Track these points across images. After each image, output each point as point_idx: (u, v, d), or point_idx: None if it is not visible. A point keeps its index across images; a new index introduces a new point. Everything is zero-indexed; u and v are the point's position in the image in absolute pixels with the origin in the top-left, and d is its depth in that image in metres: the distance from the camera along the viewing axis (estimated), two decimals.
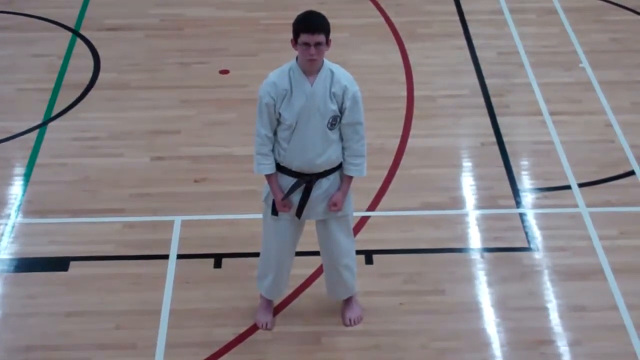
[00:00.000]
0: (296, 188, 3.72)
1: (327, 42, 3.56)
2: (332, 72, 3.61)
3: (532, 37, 6.39)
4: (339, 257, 3.92)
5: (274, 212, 3.78)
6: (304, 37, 3.52)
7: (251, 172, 5.03)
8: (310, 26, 3.53)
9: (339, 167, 3.76)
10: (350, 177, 3.76)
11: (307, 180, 3.71)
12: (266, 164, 3.71)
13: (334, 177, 3.75)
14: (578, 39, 6.35)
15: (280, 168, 3.73)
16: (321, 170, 3.71)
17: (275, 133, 3.69)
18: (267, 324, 4.04)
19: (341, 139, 3.71)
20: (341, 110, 3.64)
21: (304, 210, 3.77)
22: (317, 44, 3.52)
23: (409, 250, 4.55)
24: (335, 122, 3.64)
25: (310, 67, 3.58)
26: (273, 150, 3.71)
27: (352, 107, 3.63)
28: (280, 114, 3.62)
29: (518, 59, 6.15)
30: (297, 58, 3.63)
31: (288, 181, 3.73)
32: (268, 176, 3.75)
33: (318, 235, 3.92)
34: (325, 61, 3.63)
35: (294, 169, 3.70)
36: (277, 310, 4.18)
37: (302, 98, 3.60)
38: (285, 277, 4.00)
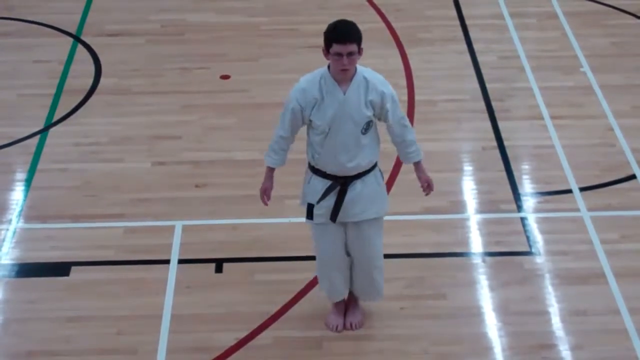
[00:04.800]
0: (331, 191, 3.73)
1: (359, 50, 3.54)
2: (366, 80, 3.60)
3: (533, 42, 6.39)
4: (373, 259, 3.90)
5: (309, 216, 3.78)
6: (336, 48, 3.49)
7: (252, 177, 5.06)
8: (343, 36, 3.48)
9: (373, 168, 3.78)
10: (418, 162, 3.81)
11: (341, 183, 3.72)
12: (273, 158, 3.80)
13: (368, 179, 3.76)
14: (579, 43, 6.35)
15: (314, 170, 3.76)
16: (354, 173, 3.72)
17: (309, 138, 3.73)
18: (337, 326, 4.05)
19: (375, 139, 3.72)
20: (380, 115, 3.66)
21: (340, 212, 3.76)
22: (350, 54, 3.49)
23: (410, 254, 4.55)
24: (369, 127, 3.66)
25: (342, 76, 3.57)
26: (286, 150, 3.77)
27: (394, 107, 3.67)
28: (311, 121, 3.65)
29: (519, 63, 6.16)
30: (328, 66, 3.61)
31: (323, 184, 3.74)
32: (269, 167, 3.82)
33: (349, 238, 3.88)
34: (358, 67, 3.62)
35: (328, 172, 3.72)
36: (277, 315, 4.18)
37: (334, 105, 3.60)
38: (341, 279, 3.96)
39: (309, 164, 3.78)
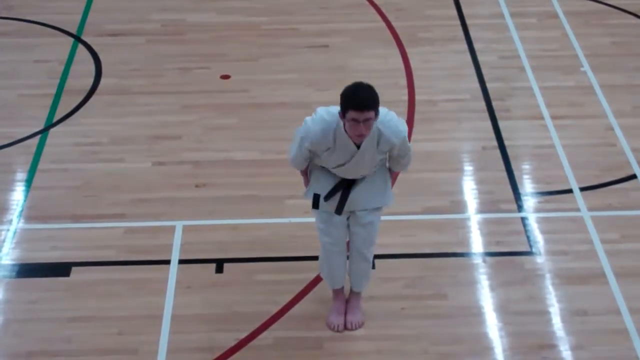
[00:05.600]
0: (337, 190, 3.76)
1: (376, 114, 3.49)
2: (380, 132, 3.57)
3: (533, 41, 6.39)
4: (369, 245, 3.95)
5: (315, 205, 3.80)
6: (353, 114, 3.44)
7: (252, 177, 5.07)
8: (360, 104, 3.41)
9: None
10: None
11: (348, 182, 3.77)
12: (300, 168, 3.84)
13: (375, 175, 3.80)
14: (579, 42, 6.35)
15: (321, 167, 3.79)
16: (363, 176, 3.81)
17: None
18: (338, 326, 4.06)
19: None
20: (391, 153, 3.74)
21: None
22: (366, 120, 3.46)
23: (411, 254, 4.55)
24: (383, 159, 3.74)
25: (357, 140, 3.58)
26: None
27: (402, 146, 3.70)
28: (322, 159, 3.70)
29: (519, 62, 6.15)
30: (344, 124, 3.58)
31: (328, 179, 3.76)
32: (301, 171, 3.87)
33: (352, 227, 3.91)
34: None
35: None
36: (278, 315, 4.18)
37: (347, 155, 3.63)
38: (342, 266, 3.99)
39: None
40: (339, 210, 3.79)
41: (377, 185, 3.82)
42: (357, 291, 4.11)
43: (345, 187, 3.76)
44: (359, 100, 3.42)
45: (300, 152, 3.71)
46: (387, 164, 3.86)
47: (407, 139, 3.71)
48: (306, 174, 3.86)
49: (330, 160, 3.69)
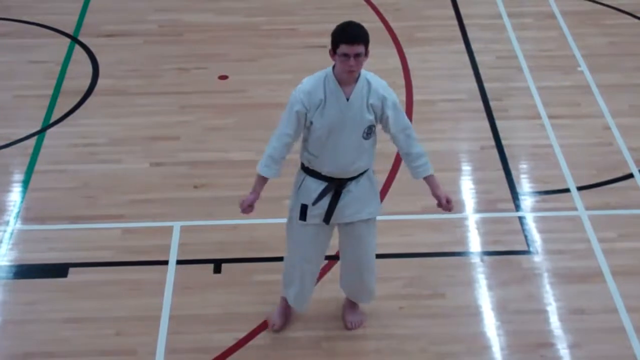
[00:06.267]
0: (326, 193, 3.69)
1: (366, 52, 3.51)
2: (368, 82, 3.57)
3: (531, 41, 6.40)
4: (364, 261, 3.88)
5: (302, 216, 3.73)
6: (343, 48, 3.46)
7: (250, 178, 5.04)
8: (350, 37, 3.45)
9: (367, 169, 3.74)
10: (431, 176, 3.70)
11: (336, 185, 3.69)
12: (274, 168, 3.66)
13: (363, 180, 3.73)
14: (576, 42, 6.36)
15: (309, 171, 3.71)
16: (352, 175, 3.70)
17: (305, 140, 3.66)
18: (277, 325, 4.04)
19: (375, 144, 3.65)
20: (381, 120, 3.62)
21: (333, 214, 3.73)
22: (357, 55, 3.46)
23: (409, 254, 4.55)
24: (370, 131, 3.62)
25: (348, 78, 3.54)
26: (284, 158, 3.66)
27: (396, 115, 3.61)
28: (312, 123, 3.59)
29: (516, 62, 6.16)
30: (333, 67, 3.57)
31: (317, 185, 3.70)
32: (260, 176, 3.69)
33: (342, 240, 3.87)
34: (362, 71, 3.59)
35: (324, 174, 3.69)
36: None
37: (336, 110, 3.57)
38: (311, 287, 3.96)
39: (303, 164, 3.74)
40: (327, 218, 3.72)
41: (365, 191, 3.73)
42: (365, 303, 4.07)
43: (333, 193, 3.69)
44: (350, 33, 3.46)
45: (290, 122, 3.56)
46: (400, 152, 3.65)
47: (399, 104, 3.60)
48: (264, 182, 3.68)
49: (322, 123, 3.55)
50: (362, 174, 3.73)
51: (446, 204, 3.70)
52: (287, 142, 3.63)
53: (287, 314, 4.07)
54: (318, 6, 6.75)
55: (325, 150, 3.62)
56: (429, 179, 3.72)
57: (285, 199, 4.76)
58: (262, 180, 3.70)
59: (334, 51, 3.51)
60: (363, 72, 3.60)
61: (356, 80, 3.56)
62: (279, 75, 5.95)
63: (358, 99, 3.56)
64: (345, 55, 3.47)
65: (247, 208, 3.72)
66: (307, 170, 3.72)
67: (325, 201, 3.71)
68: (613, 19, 6.67)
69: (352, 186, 3.71)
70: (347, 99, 3.56)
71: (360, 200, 3.74)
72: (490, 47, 6.32)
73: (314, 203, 3.70)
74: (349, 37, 3.46)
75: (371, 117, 3.59)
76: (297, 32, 6.42)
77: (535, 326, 4.13)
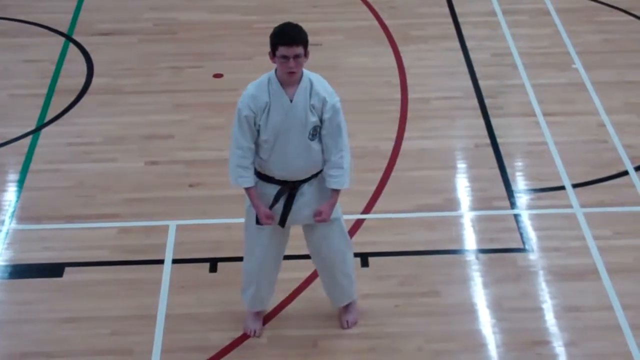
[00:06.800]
0: (280, 196, 3.69)
1: (306, 53, 3.52)
2: (311, 83, 3.57)
3: (525, 39, 6.40)
4: (334, 263, 3.88)
5: (258, 220, 3.72)
6: (282, 50, 3.48)
7: None
8: (288, 38, 3.47)
9: (321, 171, 3.71)
10: (335, 190, 3.69)
11: (290, 187, 3.68)
12: (246, 176, 3.65)
13: (317, 182, 3.72)
14: (571, 39, 6.37)
15: (261, 176, 3.69)
16: (305, 177, 3.69)
17: (255, 143, 3.65)
18: (255, 331, 4.04)
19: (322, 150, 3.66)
20: (321, 121, 3.60)
21: (288, 217, 3.73)
22: (296, 57, 3.48)
23: (404, 252, 4.56)
24: (316, 132, 3.61)
25: (289, 79, 3.54)
26: (253, 162, 3.66)
27: (332, 118, 3.59)
28: (259, 126, 3.59)
29: (511, 60, 6.17)
30: (275, 70, 3.59)
31: (271, 189, 3.69)
32: (247, 189, 3.68)
33: (307, 242, 3.88)
34: (305, 71, 3.60)
35: (276, 177, 3.67)
36: (272, 314, 4.18)
37: (281, 113, 3.56)
38: (269, 288, 3.97)
39: (255, 170, 3.69)
40: (282, 221, 3.71)
41: (321, 192, 3.70)
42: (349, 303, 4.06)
43: (287, 195, 3.67)
44: (287, 35, 3.48)
45: (242, 130, 3.56)
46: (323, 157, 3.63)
47: (339, 109, 3.58)
48: (253, 191, 3.67)
49: (268, 127, 3.54)
50: (315, 175, 3.71)
51: (318, 215, 3.68)
52: (249, 152, 3.62)
53: (259, 317, 4.07)
54: (313, 4, 6.74)
55: (274, 154, 3.61)
56: (332, 192, 3.69)
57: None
58: (247, 191, 3.69)
59: (273, 53, 3.53)
60: (307, 73, 3.60)
61: (299, 81, 3.56)
62: None
63: (301, 100, 3.56)
64: (285, 57, 3.48)
65: (267, 220, 3.70)
66: (259, 175, 3.70)
67: (280, 204, 3.70)
68: (607, 15, 6.68)
69: (305, 188, 3.70)
70: (291, 101, 3.56)
71: (316, 202, 3.72)
72: (485, 45, 6.33)
73: (271, 207, 3.69)
74: (287, 39, 3.47)
75: (314, 119, 3.58)
76: None
77: (530, 324, 4.14)
